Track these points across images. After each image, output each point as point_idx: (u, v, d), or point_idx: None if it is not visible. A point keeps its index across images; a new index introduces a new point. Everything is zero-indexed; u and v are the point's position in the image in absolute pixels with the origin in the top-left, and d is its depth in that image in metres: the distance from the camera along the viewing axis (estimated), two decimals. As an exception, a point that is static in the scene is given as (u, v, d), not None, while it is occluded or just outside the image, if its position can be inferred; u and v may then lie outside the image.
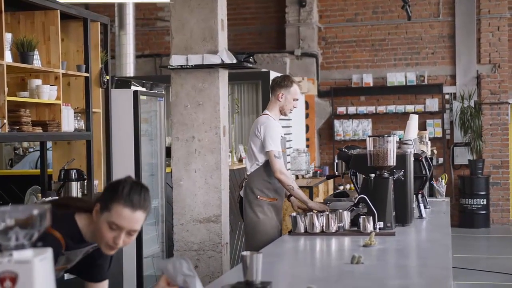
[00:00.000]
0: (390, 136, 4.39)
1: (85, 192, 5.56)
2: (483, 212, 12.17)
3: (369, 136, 4.42)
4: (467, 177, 12.29)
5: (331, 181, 11.20)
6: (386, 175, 4.37)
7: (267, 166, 5.15)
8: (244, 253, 2.73)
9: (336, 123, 12.85)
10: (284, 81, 5.27)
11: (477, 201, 12.13)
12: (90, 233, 2.63)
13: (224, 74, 6.17)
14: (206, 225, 5.73)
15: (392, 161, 4.36)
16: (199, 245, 5.67)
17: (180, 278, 2.51)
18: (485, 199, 12.15)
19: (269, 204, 5.18)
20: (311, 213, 4.30)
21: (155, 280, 6.68)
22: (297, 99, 5.30)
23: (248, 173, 5.28)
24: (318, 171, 10.90)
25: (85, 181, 5.53)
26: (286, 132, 10.00)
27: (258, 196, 5.16)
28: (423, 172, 4.98)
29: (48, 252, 1.78)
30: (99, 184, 5.81)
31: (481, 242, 11.31)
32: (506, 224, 12.47)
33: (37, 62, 4.90)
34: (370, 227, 4.15)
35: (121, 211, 2.51)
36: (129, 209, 2.52)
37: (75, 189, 5.38)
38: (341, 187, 12.36)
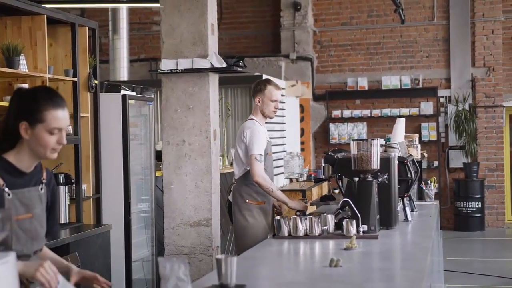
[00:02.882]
0: (374, 139, 4.40)
1: (74, 196, 5.58)
2: (478, 215, 12.18)
3: (353, 140, 4.43)
4: (462, 180, 12.30)
5: (325, 185, 11.21)
6: (370, 178, 4.39)
7: None
8: (218, 256, 2.76)
9: (331, 126, 12.87)
10: (258, 86, 5.40)
11: (472, 204, 12.14)
12: (25, 160, 2.68)
13: (214, 78, 6.19)
14: (197, 229, 5.74)
15: (376, 164, 4.37)
16: (190, 248, 5.69)
17: (173, 281, 2.53)
18: (480, 202, 12.16)
19: (258, 208, 5.24)
20: (295, 216, 4.32)
21: (145, 284, 6.69)
22: (275, 100, 5.36)
23: (236, 178, 5.35)
24: (313, 175, 10.90)
25: (73, 185, 5.55)
26: (280, 136, 10.03)
27: (247, 200, 5.24)
28: (409, 175, 4.99)
29: (11, 256, 1.80)
30: (87, 188, 5.83)
31: (475, 245, 11.32)
32: (501, 227, 12.48)
33: (23, 67, 4.92)
34: (353, 230, 4.17)
35: (55, 114, 2.63)
36: (59, 110, 2.65)
37: (63, 193, 5.39)
38: (337, 191, 12.37)
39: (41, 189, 2.77)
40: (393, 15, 12.48)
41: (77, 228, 5.37)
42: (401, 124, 5.50)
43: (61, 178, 5.39)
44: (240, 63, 6.32)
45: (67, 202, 5.45)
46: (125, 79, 10.58)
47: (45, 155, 2.68)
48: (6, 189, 2.61)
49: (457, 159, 12.49)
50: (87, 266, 4.25)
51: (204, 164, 5.98)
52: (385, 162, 4.51)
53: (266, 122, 5.53)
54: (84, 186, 5.71)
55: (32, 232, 2.68)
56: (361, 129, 12.79)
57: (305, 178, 10.45)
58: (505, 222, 12.56)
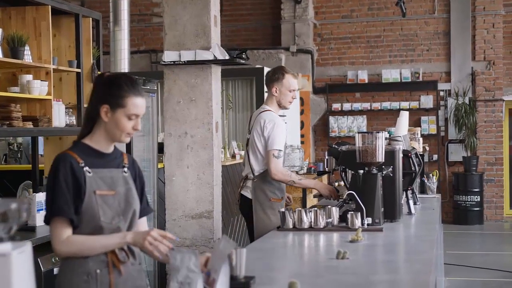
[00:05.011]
0: (379, 132, 4.40)
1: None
2: (477, 209, 12.20)
3: (358, 132, 4.43)
4: (461, 174, 12.32)
5: (325, 177, 11.22)
6: (374, 171, 4.39)
7: None
8: (228, 248, 2.75)
9: (331, 119, 12.87)
10: (275, 74, 5.15)
11: (471, 197, 12.16)
12: (102, 142, 2.84)
13: (216, 70, 6.19)
14: (199, 221, 5.75)
15: (380, 157, 4.37)
16: (192, 240, 5.69)
17: (183, 272, 2.55)
18: (479, 196, 12.18)
19: (279, 205, 5.11)
20: (299, 208, 4.32)
21: (147, 276, 6.69)
22: (293, 90, 5.15)
23: (255, 173, 5.11)
24: (313, 167, 10.92)
25: (77, 176, 5.53)
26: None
27: (271, 199, 5.05)
28: (413, 168, 4.99)
29: (27, 246, 1.80)
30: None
31: (474, 239, 11.34)
32: (500, 221, 12.51)
33: (28, 58, 4.91)
34: (358, 223, 4.17)
35: (136, 102, 2.81)
36: (139, 97, 2.83)
37: (66, 185, 5.38)
38: (336, 184, 12.38)
39: (125, 172, 2.91)
40: (393, 8, 12.47)
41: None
42: (404, 117, 5.50)
43: (65, 169, 5.37)
44: (243, 55, 6.31)
45: (70, 193, 5.43)
46: (126, 70, 10.52)
47: (120, 139, 2.84)
48: (86, 168, 2.78)
49: (457, 153, 12.51)
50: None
51: (206, 156, 5.99)
52: (390, 155, 4.51)
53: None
54: (87, 177, 5.70)
55: (116, 208, 2.83)
56: (360, 122, 12.80)
57: (305, 171, 10.45)
58: (503, 216, 12.59)
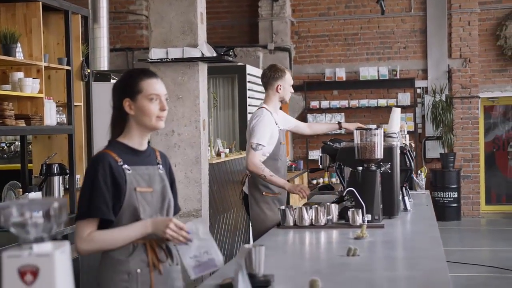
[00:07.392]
0: (377, 129, 4.40)
1: (67, 187, 5.49)
2: (455, 205, 12.32)
3: (357, 129, 4.42)
4: (439, 170, 12.42)
5: (305, 175, 11.24)
6: (373, 168, 4.39)
7: (270, 161, 5.08)
8: (247, 245, 2.73)
9: (310, 117, 12.89)
10: (278, 73, 5.26)
11: (448, 194, 12.27)
12: (135, 137, 2.83)
13: (203, 68, 6.16)
14: (186, 220, 5.68)
15: (379, 154, 4.37)
16: (179, 239, 5.64)
17: (195, 243, 2.62)
18: (456, 192, 12.30)
19: (276, 199, 5.13)
20: (300, 206, 4.30)
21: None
22: (291, 84, 5.36)
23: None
24: (293, 165, 10.93)
25: (67, 175, 5.46)
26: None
27: (264, 193, 5.13)
28: (408, 164, 5.01)
29: (66, 246, 1.76)
30: (81, 179, 5.73)
31: (452, 235, 11.43)
32: (477, 217, 12.64)
33: (19, 55, 4.82)
34: (359, 220, 4.17)
35: (150, 82, 2.82)
36: (153, 78, 2.85)
37: (57, 184, 5.31)
38: (314, 181, 12.41)
39: (160, 169, 2.90)
40: (370, 6, 12.53)
41: (73, 219, 5.28)
42: (397, 114, 5.51)
43: (55, 168, 5.30)
44: (230, 53, 6.29)
45: (61, 193, 5.36)
46: (106, 68, 10.44)
47: (151, 124, 2.81)
48: (125, 166, 2.78)
49: (434, 150, 12.61)
50: (84, 256, 4.23)
51: (194, 154, 5.96)
52: (388, 151, 4.52)
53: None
54: (77, 176, 5.62)
55: (154, 205, 2.82)
56: (339, 120, 12.82)
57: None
58: (480, 212, 12.73)
